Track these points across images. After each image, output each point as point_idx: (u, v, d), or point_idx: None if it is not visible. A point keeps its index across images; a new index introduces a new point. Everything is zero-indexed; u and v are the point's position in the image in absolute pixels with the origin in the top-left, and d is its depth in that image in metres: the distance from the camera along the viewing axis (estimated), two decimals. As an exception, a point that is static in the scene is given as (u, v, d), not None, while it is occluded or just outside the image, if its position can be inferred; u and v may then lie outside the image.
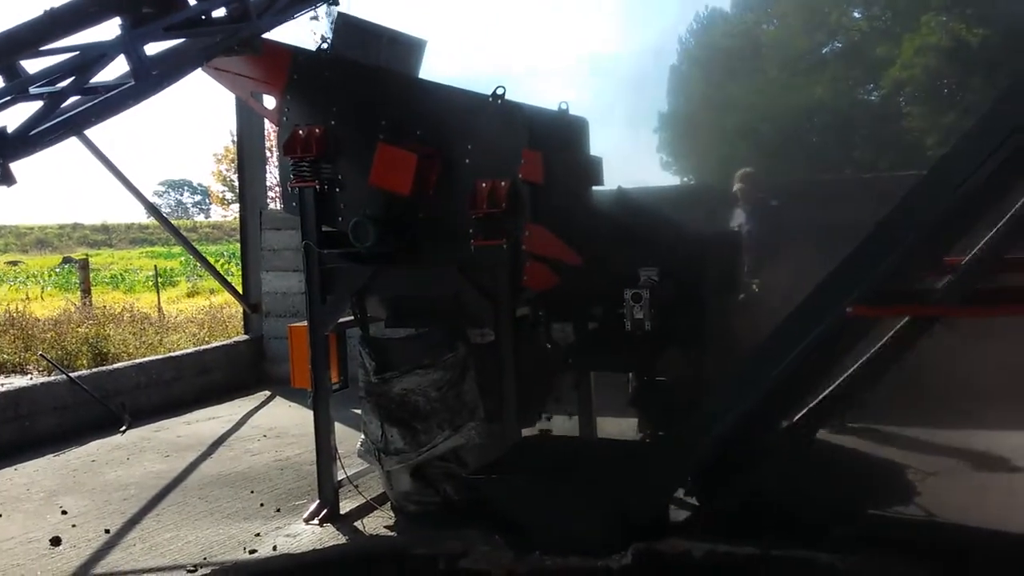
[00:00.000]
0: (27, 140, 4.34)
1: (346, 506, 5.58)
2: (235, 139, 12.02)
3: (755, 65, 27.23)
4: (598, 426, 6.32)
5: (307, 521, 5.40)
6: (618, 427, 6.35)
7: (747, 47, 28.19)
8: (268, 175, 14.39)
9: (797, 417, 5.03)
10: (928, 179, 4.20)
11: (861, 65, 25.44)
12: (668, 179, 29.47)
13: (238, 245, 11.89)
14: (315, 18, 5.91)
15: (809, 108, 24.38)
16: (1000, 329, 6.91)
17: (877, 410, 6.39)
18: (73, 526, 5.56)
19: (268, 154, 14.43)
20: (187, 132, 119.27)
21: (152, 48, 5.00)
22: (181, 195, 76.67)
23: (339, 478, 5.53)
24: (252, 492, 6.11)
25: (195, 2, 5.01)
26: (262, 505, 5.81)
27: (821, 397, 5.02)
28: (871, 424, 6.67)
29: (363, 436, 5.49)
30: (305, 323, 5.48)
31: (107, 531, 5.45)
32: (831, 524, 4.75)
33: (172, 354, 9.73)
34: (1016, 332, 6.94)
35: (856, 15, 27.14)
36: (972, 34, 22.30)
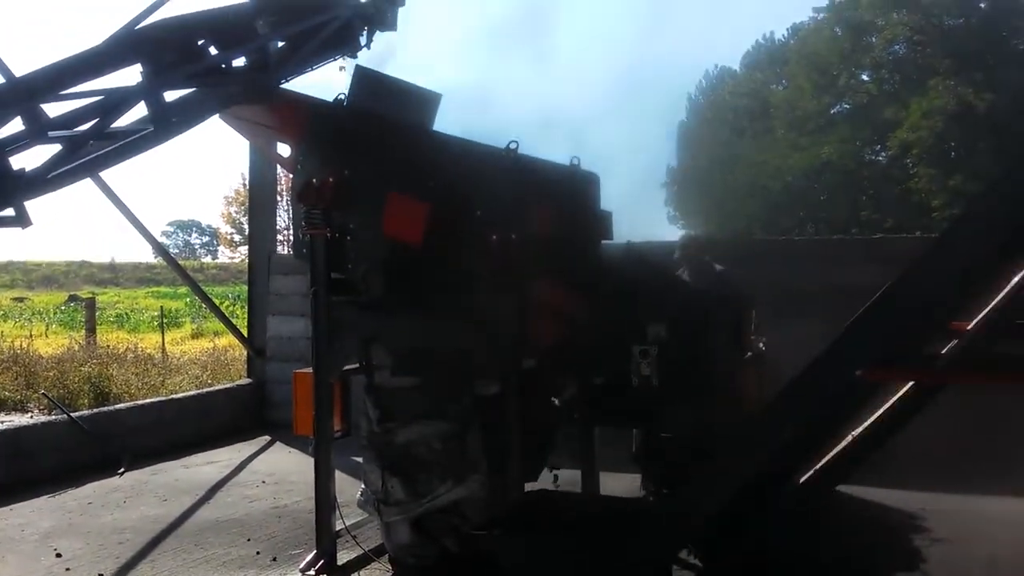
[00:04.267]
0: (44, 182, 4.38)
1: (343, 557, 5.48)
2: (246, 182, 12.15)
3: (764, 124, 27.55)
4: (601, 482, 6.26)
5: (303, 571, 5.31)
6: (621, 483, 6.28)
7: (756, 106, 28.57)
8: (278, 219, 14.50)
9: (804, 478, 4.98)
10: (939, 244, 4.20)
11: (869, 126, 25.70)
12: (675, 233, 29.58)
13: (245, 287, 11.92)
14: (343, 68, 5.98)
15: (816, 167, 24.56)
16: (1009, 394, 6.88)
17: (885, 473, 6.33)
18: (67, 570, 5.49)
19: (279, 197, 14.56)
20: (197, 173, 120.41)
21: (171, 94, 5.08)
22: (189, 236, 77.12)
23: (338, 528, 5.44)
24: (249, 540, 6.04)
25: (215, 51, 5.10)
26: (258, 553, 5.74)
27: (829, 458, 4.97)
28: (879, 487, 6.59)
29: (363, 486, 5.44)
30: (310, 369, 5.46)
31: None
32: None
33: (174, 396, 9.70)
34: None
35: (864, 77, 27.52)
36: (979, 99, 22.57)
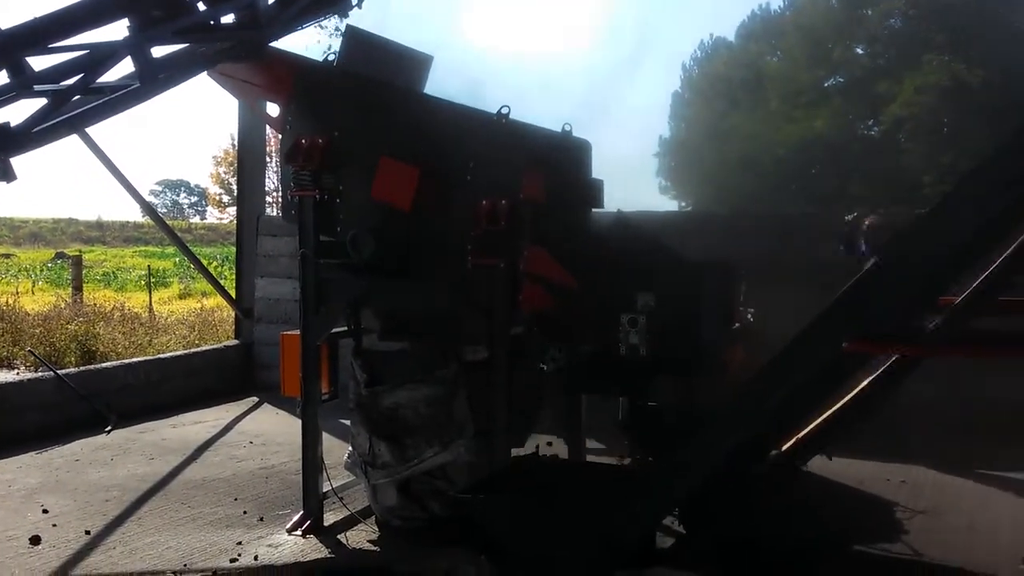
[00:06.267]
0: (30, 137, 4.33)
1: (330, 518, 5.54)
2: (236, 143, 12.04)
3: (757, 96, 27.39)
4: (587, 449, 6.32)
5: (290, 532, 5.36)
6: (608, 450, 6.33)
7: (750, 78, 28.37)
8: (268, 180, 14.39)
9: (786, 448, 5.02)
10: (929, 219, 4.22)
11: (862, 101, 25.60)
12: (666, 204, 29.54)
13: (233, 249, 11.86)
14: (339, 29, 5.94)
15: (809, 141, 24.49)
16: (992, 369, 6.96)
17: (867, 445, 6.40)
18: (54, 525, 5.51)
19: (268, 159, 14.43)
20: (187, 133, 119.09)
21: (159, 50, 5.01)
22: (178, 195, 76.50)
23: (324, 489, 5.49)
24: (236, 499, 6.07)
25: (204, 7, 5.02)
26: (245, 513, 5.76)
27: (810, 429, 5.02)
28: (860, 459, 6.66)
29: (351, 448, 5.46)
30: (298, 331, 5.46)
31: (87, 532, 5.40)
32: (816, 559, 4.75)
33: (161, 356, 9.68)
34: (1006, 373, 7.00)
35: (859, 51, 27.35)
36: (973, 75, 22.48)
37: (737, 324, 6.47)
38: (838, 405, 5.01)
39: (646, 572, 4.37)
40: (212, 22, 5.17)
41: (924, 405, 6.19)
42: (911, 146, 23.65)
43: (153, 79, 4.87)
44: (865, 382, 4.96)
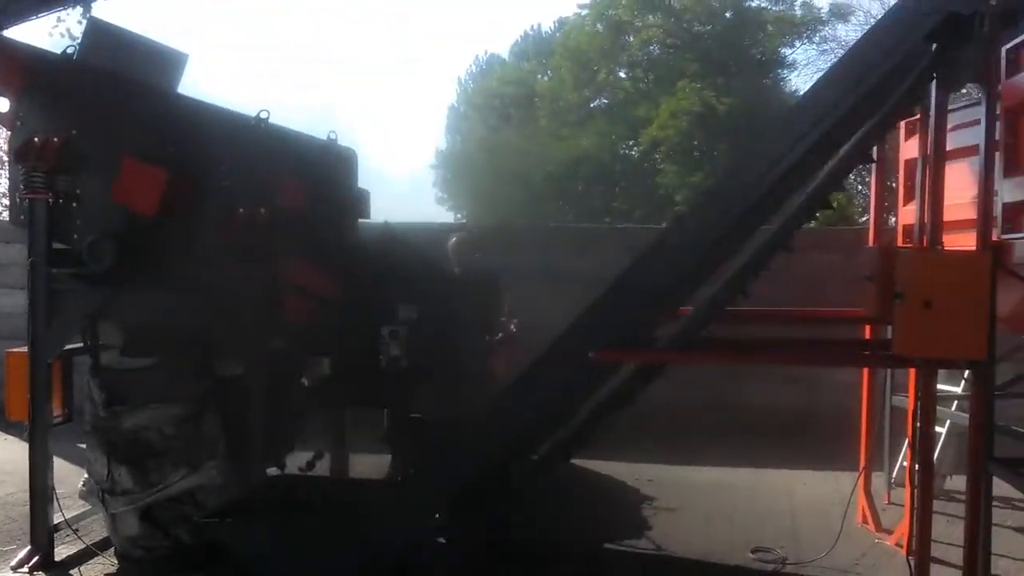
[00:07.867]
0: None
1: (63, 552, 5.05)
2: (-37, 138, 10.80)
3: (528, 113, 28.45)
4: (352, 464, 6.21)
5: (15, 569, 4.83)
6: (374, 465, 6.26)
7: (522, 95, 29.43)
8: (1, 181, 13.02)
9: (542, 453, 5.20)
10: (666, 236, 4.55)
11: (624, 122, 27.24)
12: (442, 215, 29.91)
13: (-42, 256, 10.56)
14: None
15: (576, 158, 25.73)
16: (726, 374, 7.61)
17: (617, 447, 6.77)
18: None
19: (3, 157, 13.05)
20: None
21: None
22: None
23: (56, 521, 5.00)
24: (-51, 538, 5.39)
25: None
26: (-40, 553, 5.13)
27: (565, 433, 5.22)
28: (611, 460, 7.03)
29: (86, 475, 5.02)
30: (26, 348, 4.95)
31: None
32: (570, 558, 4.96)
33: None
34: (738, 376, 7.69)
35: (622, 75, 29.10)
36: (720, 103, 24.56)
37: (500, 334, 6.65)
38: (589, 409, 5.25)
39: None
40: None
41: (666, 408, 6.63)
42: (666, 166, 25.43)
43: None
44: (614, 386, 5.22)
